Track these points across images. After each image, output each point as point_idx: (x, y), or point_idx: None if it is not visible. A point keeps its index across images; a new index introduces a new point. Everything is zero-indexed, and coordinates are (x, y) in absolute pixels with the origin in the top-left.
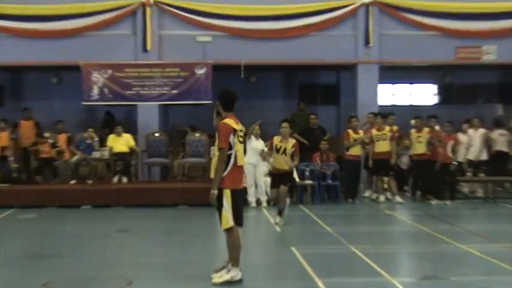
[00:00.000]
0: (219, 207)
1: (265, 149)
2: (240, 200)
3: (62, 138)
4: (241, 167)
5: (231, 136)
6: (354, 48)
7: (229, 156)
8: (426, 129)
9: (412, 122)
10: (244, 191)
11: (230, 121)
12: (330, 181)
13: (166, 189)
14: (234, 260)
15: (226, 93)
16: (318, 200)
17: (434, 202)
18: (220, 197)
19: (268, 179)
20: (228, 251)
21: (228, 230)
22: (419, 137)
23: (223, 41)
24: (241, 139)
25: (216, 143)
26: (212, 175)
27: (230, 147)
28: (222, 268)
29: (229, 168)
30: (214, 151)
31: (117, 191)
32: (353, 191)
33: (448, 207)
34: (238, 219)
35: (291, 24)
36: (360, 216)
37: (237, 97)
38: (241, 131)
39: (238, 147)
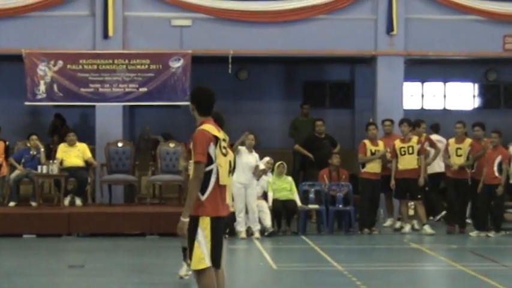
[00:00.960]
0: (191, 240)
1: (260, 165)
2: (221, 231)
3: None
4: (225, 187)
5: (211, 146)
6: (373, 36)
7: (208, 173)
8: (468, 140)
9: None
10: (232, 217)
11: (209, 127)
12: (341, 206)
13: (132, 214)
14: None
15: (202, 93)
16: (325, 229)
17: (473, 234)
18: (193, 227)
19: (263, 203)
20: None
21: (200, 272)
22: (459, 149)
23: (205, 25)
24: (224, 151)
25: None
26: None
27: (210, 161)
28: None
29: (209, 188)
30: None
31: (68, 216)
32: (370, 219)
33: (491, 240)
34: (217, 258)
35: (292, 5)
36: (379, 251)
37: (215, 97)
38: (224, 140)
39: (221, 161)
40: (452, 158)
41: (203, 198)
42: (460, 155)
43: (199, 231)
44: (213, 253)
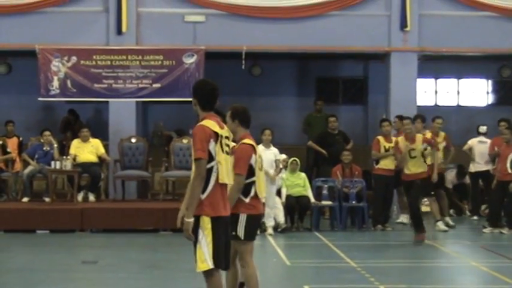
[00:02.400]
0: (194, 241)
1: (281, 158)
2: (223, 231)
3: (12, 143)
4: (225, 186)
5: (211, 143)
6: (386, 32)
7: (208, 171)
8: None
9: (483, 128)
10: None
11: (210, 123)
12: (354, 202)
13: (145, 210)
14: None
15: (203, 87)
16: (338, 226)
17: (487, 230)
18: (194, 227)
19: (276, 199)
20: None
21: (205, 274)
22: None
23: (219, 21)
24: (227, 148)
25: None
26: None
27: (210, 159)
28: None
29: (209, 187)
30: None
31: (82, 212)
32: (384, 215)
33: (505, 236)
34: (220, 259)
35: (305, 1)
36: (393, 247)
37: (218, 91)
38: (226, 137)
39: (221, 158)
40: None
41: (203, 197)
42: None
43: (200, 231)
44: (215, 254)
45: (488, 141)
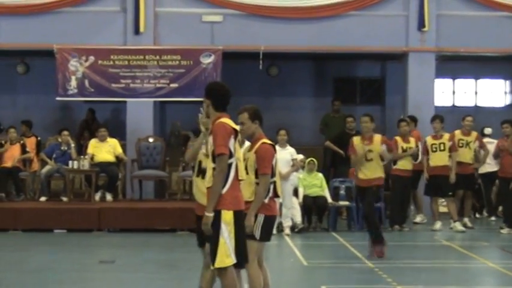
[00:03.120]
0: (214, 236)
1: (298, 158)
2: (243, 226)
3: (30, 143)
4: (240, 182)
5: (231, 140)
6: (404, 32)
7: (228, 167)
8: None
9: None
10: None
11: (228, 120)
12: None
13: (162, 209)
14: None
15: (218, 88)
16: (355, 226)
17: (504, 231)
18: (216, 222)
19: (293, 199)
20: None
21: (224, 270)
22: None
23: (236, 21)
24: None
25: (206, 150)
26: (198, 197)
27: (230, 155)
28: None
29: (229, 182)
30: (208, 164)
31: (99, 212)
32: (401, 216)
33: None
34: (241, 254)
35: (323, 1)
36: (410, 248)
37: (231, 93)
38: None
39: (240, 155)
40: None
41: (223, 191)
42: None
43: (223, 226)
44: (237, 249)
45: (495, 142)
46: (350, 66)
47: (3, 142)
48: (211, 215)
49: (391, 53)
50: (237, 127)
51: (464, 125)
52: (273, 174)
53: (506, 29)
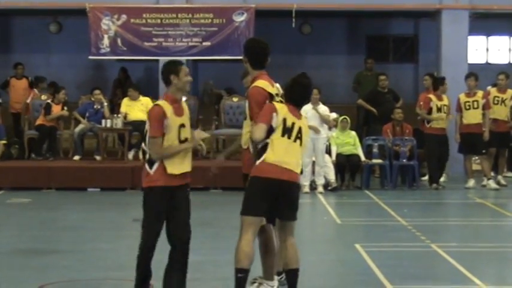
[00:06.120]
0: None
1: (332, 116)
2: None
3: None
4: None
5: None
6: None
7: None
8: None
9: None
10: None
11: (264, 83)
12: (404, 160)
13: (195, 168)
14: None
15: (255, 45)
16: (389, 184)
17: None
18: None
19: (326, 158)
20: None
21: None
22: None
23: None
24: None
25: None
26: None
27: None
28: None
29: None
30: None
31: (132, 170)
32: (438, 174)
33: None
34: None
35: None
36: (444, 206)
37: (269, 50)
38: (277, 94)
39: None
40: None
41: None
42: None
43: None
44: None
45: None
46: (383, 23)
47: (50, 102)
48: None
49: (424, 10)
50: (273, 90)
51: (499, 84)
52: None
53: None
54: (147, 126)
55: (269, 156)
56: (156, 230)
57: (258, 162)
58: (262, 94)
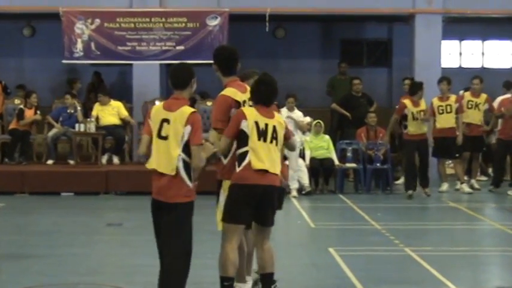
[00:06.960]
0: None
1: (305, 120)
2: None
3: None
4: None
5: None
6: None
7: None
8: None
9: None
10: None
11: (231, 91)
12: (378, 164)
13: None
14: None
15: (223, 52)
16: (363, 188)
17: (511, 192)
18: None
19: (300, 162)
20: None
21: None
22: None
23: None
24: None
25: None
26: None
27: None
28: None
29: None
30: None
31: (106, 174)
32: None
33: None
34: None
35: None
36: (417, 210)
37: (238, 55)
38: (244, 101)
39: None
40: None
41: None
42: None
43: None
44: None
45: None
46: (357, 28)
47: (23, 107)
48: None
49: (398, 14)
50: (242, 96)
51: (474, 88)
52: (244, 143)
53: None
54: (188, 134)
55: (249, 162)
56: None
57: (238, 169)
58: (226, 102)
